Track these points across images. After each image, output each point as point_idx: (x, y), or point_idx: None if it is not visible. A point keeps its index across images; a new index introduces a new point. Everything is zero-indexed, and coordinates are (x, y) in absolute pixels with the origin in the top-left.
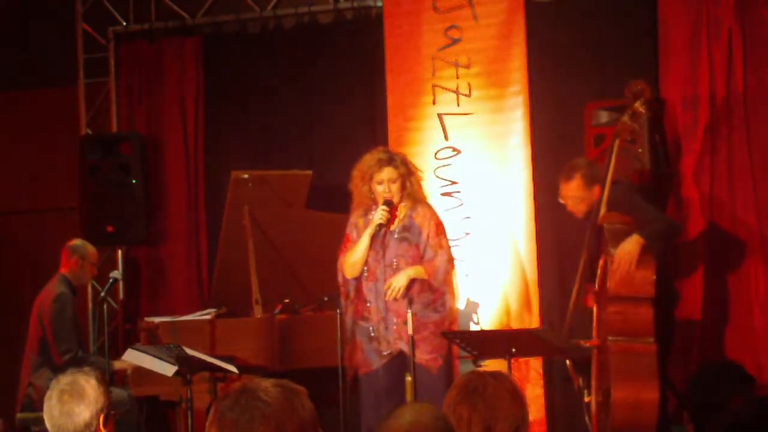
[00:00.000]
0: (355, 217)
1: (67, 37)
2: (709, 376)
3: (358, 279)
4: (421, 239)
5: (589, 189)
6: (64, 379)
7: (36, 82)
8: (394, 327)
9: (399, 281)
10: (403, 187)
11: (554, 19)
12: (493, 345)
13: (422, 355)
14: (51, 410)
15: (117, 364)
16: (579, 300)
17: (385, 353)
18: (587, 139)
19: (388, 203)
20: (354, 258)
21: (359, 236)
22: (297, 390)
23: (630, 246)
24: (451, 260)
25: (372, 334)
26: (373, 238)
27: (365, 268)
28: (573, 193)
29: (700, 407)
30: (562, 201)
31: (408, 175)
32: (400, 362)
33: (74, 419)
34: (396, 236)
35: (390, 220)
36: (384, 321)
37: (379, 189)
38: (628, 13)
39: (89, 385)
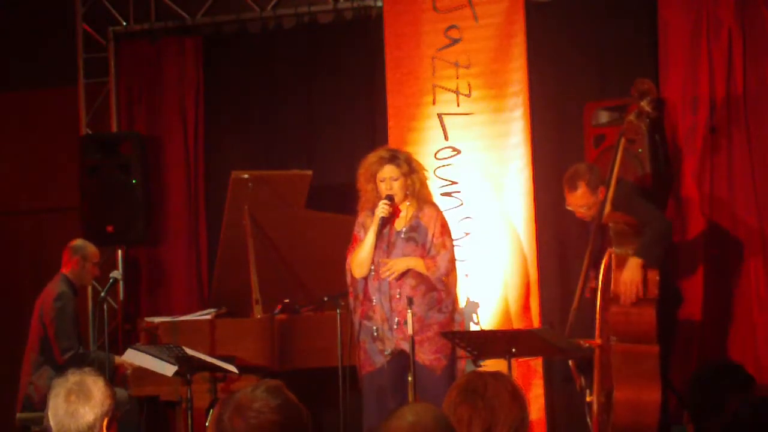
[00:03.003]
0: (362, 217)
1: (67, 37)
2: (709, 376)
3: (365, 278)
4: (427, 239)
5: (596, 193)
6: (72, 378)
7: (36, 82)
8: (395, 328)
9: (398, 264)
10: (405, 186)
11: (554, 19)
12: (493, 345)
13: (426, 356)
14: (56, 408)
15: (118, 359)
16: (582, 298)
17: (388, 353)
18: (587, 139)
19: (390, 197)
20: (361, 256)
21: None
22: (279, 387)
23: (631, 276)
24: (452, 261)
25: (375, 334)
26: (379, 237)
27: (372, 268)
28: (581, 202)
29: (700, 407)
30: (569, 209)
31: (410, 174)
32: (402, 362)
33: (78, 420)
34: (403, 236)
35: (393, 215)
36: (388, 321)
37: (382, 187)
38: (628, 13)
39: (97, 387)
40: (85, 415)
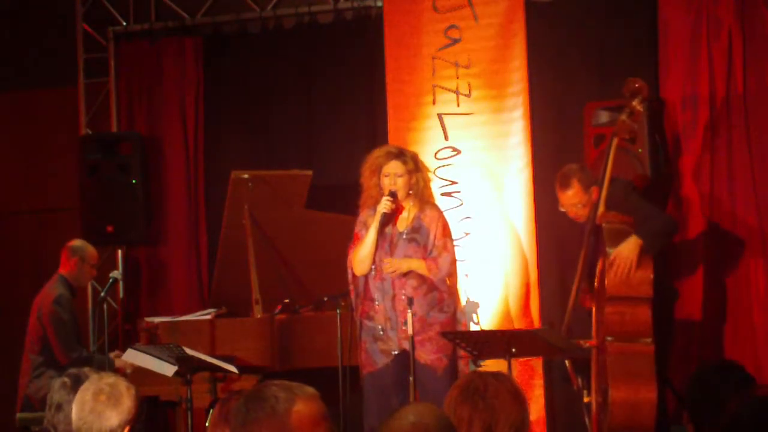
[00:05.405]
0: (364, 216)
1: (67, 37)
2: (709, 376)
3: (365, 277)
4: (429, 240)
5: (588, 192)
6: (106, 379)
7: (36, 82)
8: (397, 327)
9: (400, 264)
10: (408, 183)
11: (554, 19)
12: (493, 345)
13: (427, 356)
14: (82, 404)
15: (117, 362)
16: (577, 300)
17: (393, 352)
18: (587, 139)
19: (392, 194)
20: (362, 253)
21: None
22: (298, 386)
23: (628, 250)
24: (454, 263)
25: (377, 334)
26: (382, 236)
27: (373, 267)
28: (573, 200)
29: (699, 407)
30: (562, 210)
31: (415, 172)
32: (404, 362)
33: (102, 422)
34: (405, 237)
35: (395, 212)
36: (391, 321)
37: (386, 182)
38: (628, 13)
39: (128, 394)
40: (110, 418)
